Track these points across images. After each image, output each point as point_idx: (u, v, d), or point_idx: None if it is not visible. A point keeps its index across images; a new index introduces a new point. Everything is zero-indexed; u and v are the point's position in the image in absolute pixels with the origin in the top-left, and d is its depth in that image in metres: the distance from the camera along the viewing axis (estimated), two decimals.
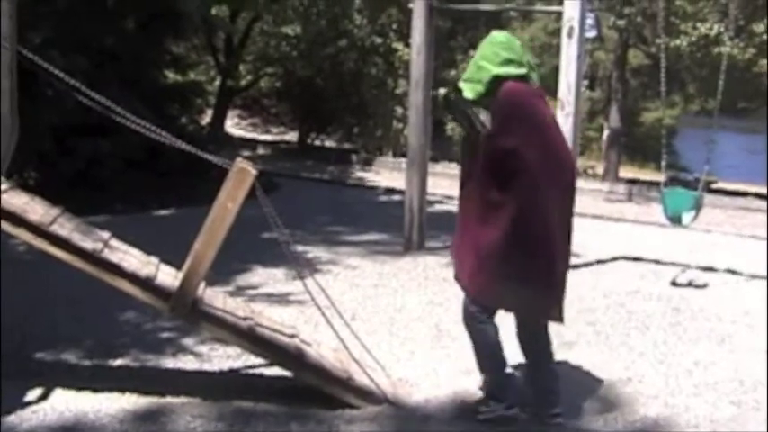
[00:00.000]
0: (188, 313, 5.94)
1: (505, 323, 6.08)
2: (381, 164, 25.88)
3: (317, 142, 29.84)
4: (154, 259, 6.28)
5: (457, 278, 6.13)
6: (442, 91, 6.18)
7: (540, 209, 5.76)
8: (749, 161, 29.50)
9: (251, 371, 6.87)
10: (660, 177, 13.30)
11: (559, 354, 7.59)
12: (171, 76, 21.77)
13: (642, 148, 34.34)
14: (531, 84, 6.03)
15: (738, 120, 32.65)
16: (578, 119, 11.50)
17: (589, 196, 20.48)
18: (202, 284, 6.05)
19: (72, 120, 14.39)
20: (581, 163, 17.07)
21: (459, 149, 6.51)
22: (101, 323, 7.92)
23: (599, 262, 12.18)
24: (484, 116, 5.97)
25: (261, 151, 27.43)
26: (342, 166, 25.52)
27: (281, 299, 8.75)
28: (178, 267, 6.17)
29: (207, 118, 26.88)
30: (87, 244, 5.83)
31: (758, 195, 23.19)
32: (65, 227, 5.91)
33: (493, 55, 5.91)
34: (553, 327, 8.07)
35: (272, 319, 6.61)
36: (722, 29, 22.74)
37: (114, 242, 6.19)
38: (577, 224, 11.58)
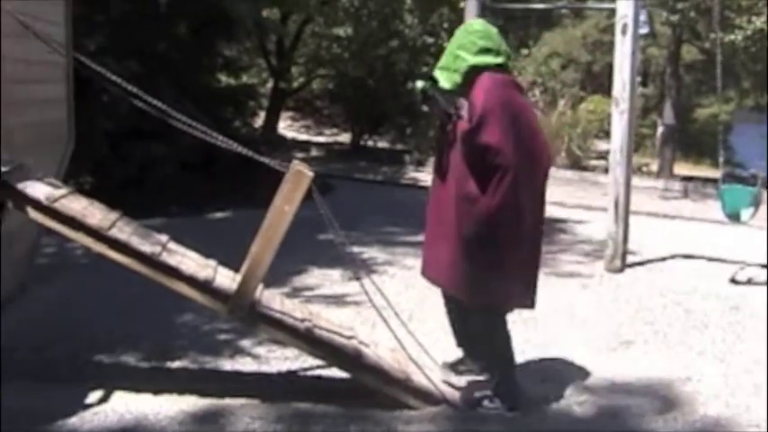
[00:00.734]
0: (246, 315, 5.96)
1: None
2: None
3: (370, 143, 29.80)
4: (211, 262, 6.30)
5: (425, 274, 6.32)
6: (420, 83, 6.15)
7: (518, 203, 5.82)
8: None
9: (309, 372, 6.89)
10: (716, 174, 13.17)
11: (617, 353, 7.57)
12: (224, 79, 21.88)
13: (697, 144, 33.97)
14: (507, 73, 6.08)
15: None
16: (633, 116, 11.42)
17: (644, 194, 20.28)
18: (260, 286, 6.07)
19: (126, 125, 14.53)
20: (635, 160, 16.87)
21: (435, 142, 6.48)
22: (158, 326, 7.97)
23: (656, 260, 12.08)
24: (460, 103, 5.96)
25: (314, 153, 27.45)
26: (395, 167, 25.46)
27: (338, 300, 8.75)
28: (235, 269, 6.20)
29: (260, 120, 26.93)
30: (146, 247, 5.86)
31: None
32: (123, 231, 5.95)
33: (470, 44, 5.94)
34: (612, 326, 8.07)
35: (330, 320, 6.60)
36: None
37: (172, 245, 6.22)
38: (633, 222, 11.59)
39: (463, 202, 5.84)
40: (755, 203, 11.01)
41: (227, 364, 7.08)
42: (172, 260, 5.92)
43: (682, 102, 30.60)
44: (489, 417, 6.00)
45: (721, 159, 12.18)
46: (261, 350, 7.33)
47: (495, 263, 5.87)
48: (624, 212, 11.40)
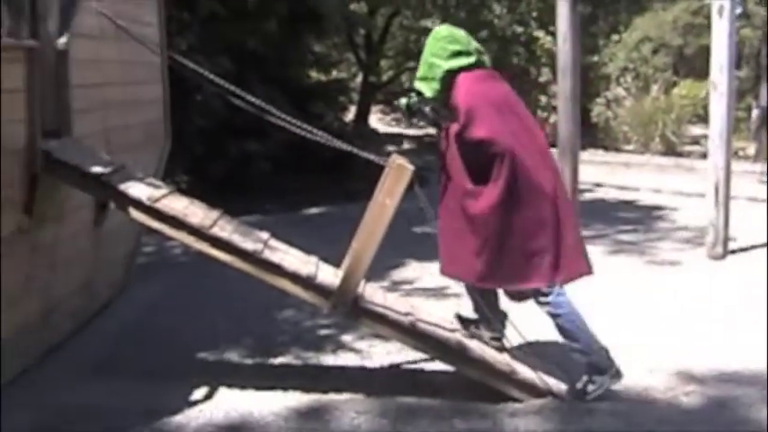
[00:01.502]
0: (349, 311, 5.97)
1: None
2: None
3: None
4: (313, 258, 6.31)
5: (446, 273, 6.28)
6: (403, 100, 6.26)
7: (524, 185, 5.91)
8: None
9: (412, 366, 6.86)
10: None
11: (724, 341, 7.42)
12: (314, 75, 21.95)
13: None
14: (482, 68, 6.22)
15: None
16: (732, 99, 11.21)
17: (741, 178, 19.87)
18: (362, 281, 6.06)
19: (220, 122, 14.65)
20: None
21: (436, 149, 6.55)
22: (260, 322, 8.02)
23: (759, 246, 11.82)
24: (446, 111, 6.13)
25: (406, 145, 27.42)
26: None
27: (438, 293, 8.71)
28: (333, 264, 6.23)
29: (350, 115, 27.00)
30: (248, 245, 5.89)
31: None
32: (225, 229, 5.98)
33: (441, 50, 6.13)
34: (717, 314, 7.92)
35: (432, 313, 6.57)
36: None
37: (273, 242, 6.24)
38: (733, 207, 11.34)
39: (470, 198, 5.97)
40: None
41: (330, 360, 7.09)
42: (274, 257, 5.94)
43: None
44: (597, 409, 5.91)
45: None
46: (363, 345, 7.33)
47: (518, 246, 5.96)
48: (724, 198, 11.18)
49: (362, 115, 28.27)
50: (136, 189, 6.01)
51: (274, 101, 6.65)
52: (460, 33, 6.27)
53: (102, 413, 5.90)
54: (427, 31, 27.24)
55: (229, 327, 7.87)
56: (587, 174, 16.74)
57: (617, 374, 6.11)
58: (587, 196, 15.84)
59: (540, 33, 26.67)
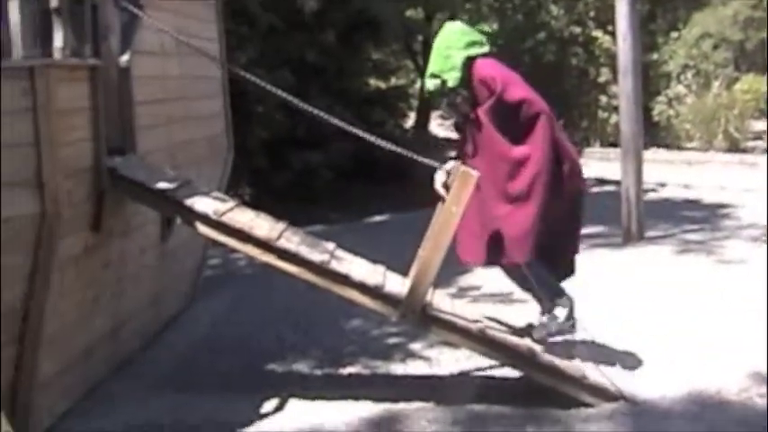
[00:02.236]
0: (418, 319, 5.95)
1: None
2: (589, 154, 25.41)
3: None
4: (380, 267, 6.31)
5: (493, 262, 6.43)
6: (431, 83, 6.38)
7: (559, 144, 6.27)
8: None
9: (481, 373, 6.81)
10: None
11: None
12: (373, 82, 21.98)
13: None
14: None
15: None
16: None
17: None
18: (430, 289, 6.03)
19: (282, 134, 14.72)
20: None
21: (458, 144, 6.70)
22: (327, 332, 8.01)
23: None
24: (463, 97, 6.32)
25: None
26: None
27: (504, 298, 8.65)
28: (399, 272, 6.21)
29: (410, 121, 26.99)
30: (315, 256, 5.91)
31: None
32: (291, 241, 6.00)
33: (457, 41, 6.36)
34: None
35: (501, 319, 6.53)
36: None
37: (339, 252, 6.24)
38: None
39: (517, 169, 6.11)
40: None
41: (399, 368, 7.06)
42: (341, 268, 5.95)
43: None
44: (671, 413, 5.84)
45: None
46: (431, 353, 7.29)
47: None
48: None
49: (422, 121, 28.21)
50: (202, 203, 6.04)
51: (335, 111, 6.67)
52: (469, 27, 6.59)
53: (173, 427, 5.94)
54: (484, 33, 27.09)
55: (297, 338, 7.88)
56: (650, 173, 16.57)
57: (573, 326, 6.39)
58: (652, 196, 15.65)
59: (598, 33, 26.46)
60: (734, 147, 24.12)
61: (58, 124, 5.29)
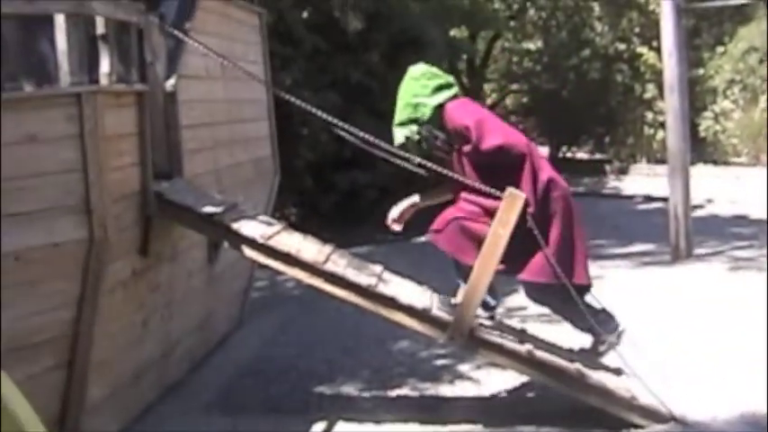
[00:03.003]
0: (466, 341, 5.93)
1: None
2: (636, 171, 25.36)
3: (569, 154, 29.53)
4: (427, 289, 6.29)
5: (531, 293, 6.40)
6: (400, 134, 6.27)
7: (544, 179, 6.08)
8: None
9: (530, 394, 6.78)
10: None
11: None
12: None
13: None
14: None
15: None
16: None
17: None
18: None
19: (328, 155, 14.74)
20: None
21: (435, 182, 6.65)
22: (375, 354, 7.99)
23: None
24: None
25: None
26: (595, 177, 25.13)
27: (552, 318, 8.56)
28: (445, 293, 6.19)
29: None
30: (362, 279, 5.91)
31: None
32: (338, 264, 6.00)
33: (423, 88, 6.28)
34: None
35: (549, 341, 6.49)
36: None
37: (387, 275, 6.25)
38: None
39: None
40: None
41: (448, 390, 7.03)
42: (388, 290, 5.94)
43: None
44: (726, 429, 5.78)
45: None
46: (479, 374, 7.25)
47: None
48: None
49: None
50: (249, 227, 6.06)
51: (381, 132, 6.66)
52: (435, 69, 6.47)
53: None
54: (530, 52, 27.14)
55: (345, 360, 7.86)
56: (698, 189, 16.45)
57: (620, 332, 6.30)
58: (700, 212, 15.55)
59: (643, 49, 26.39)
60: None
61: (106, 150, 5.31)
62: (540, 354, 5.98)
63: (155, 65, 6.30)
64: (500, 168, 5.99)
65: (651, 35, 23.77)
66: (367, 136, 6.35)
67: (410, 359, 7.81)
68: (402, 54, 17.79)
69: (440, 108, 6.21)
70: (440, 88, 6.28)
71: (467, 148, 6.07)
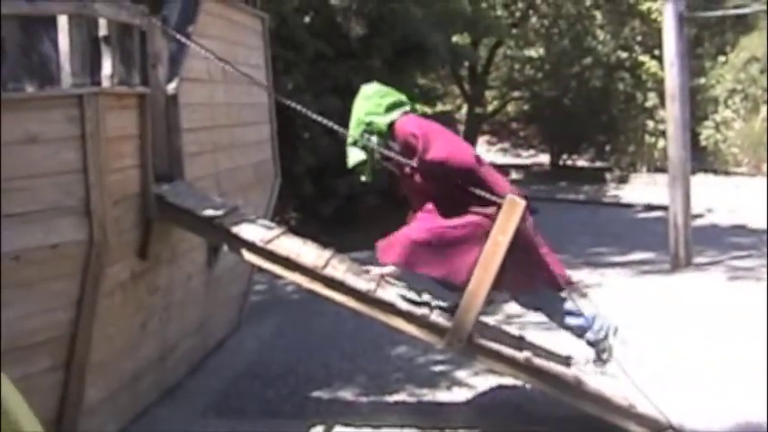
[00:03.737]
0: (464, 347, 5.93)
1: None
2: (636, 180, 25.34)
3: (569, 162, 29.52)
4: (426, 295, 6.28)
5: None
6: (355, 155, 6.29)
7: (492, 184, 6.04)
8: None
9: (527, 401, 6.77)
10: None
11: None
12: (419, 108, 22.00)
13: None
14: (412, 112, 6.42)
15: None
16: None
17: None
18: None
19: (328, 160, 14.73)
20: None
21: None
22: (373, 359, 7.99)
23: None
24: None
25: (514, 175, 27.27)
26: (596, 185, 25.13)
27: (550, 326, 8.56)
28: (444, 298, 6.18)
29: None
30: (361, 284, 5.91)
31: None
32: (338, 268, 6.00)
33: (376, 107, 6.29)
34: None
35: (547, 348, 6.50)
36: None
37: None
38: None
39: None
40: None
41: (445, 396, 7.05)
42: (387, 296, 5.94)
43: None
44: None
45: None
46: (476, 380, 7.27)
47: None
48: None
49: None
50: (248, 231, 6.06)
51: None
52: (386, 88, 6.48)
53: None
54: (531, 59, 27.05)
55: (343, 364, 7.87)
56: (698, 199, 16.44)
57: (615, 331, 6.27)
58: (700, 222, 15.55)
59: (645, 58, 26.35)
60: None
61: (107, 152, 5.32)
62: (538, 361, 5.97)
63: (157, 67, 6.30)
64: (451, 182, 6.02)
65: (653, 44, 23.77)
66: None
67: (408, 364, 7.82)
68: (404, 60, 17.85)
69: (392, 125, 6.23)
70: (393, 106, 6.30)
71: (416, 160, 6.06)
